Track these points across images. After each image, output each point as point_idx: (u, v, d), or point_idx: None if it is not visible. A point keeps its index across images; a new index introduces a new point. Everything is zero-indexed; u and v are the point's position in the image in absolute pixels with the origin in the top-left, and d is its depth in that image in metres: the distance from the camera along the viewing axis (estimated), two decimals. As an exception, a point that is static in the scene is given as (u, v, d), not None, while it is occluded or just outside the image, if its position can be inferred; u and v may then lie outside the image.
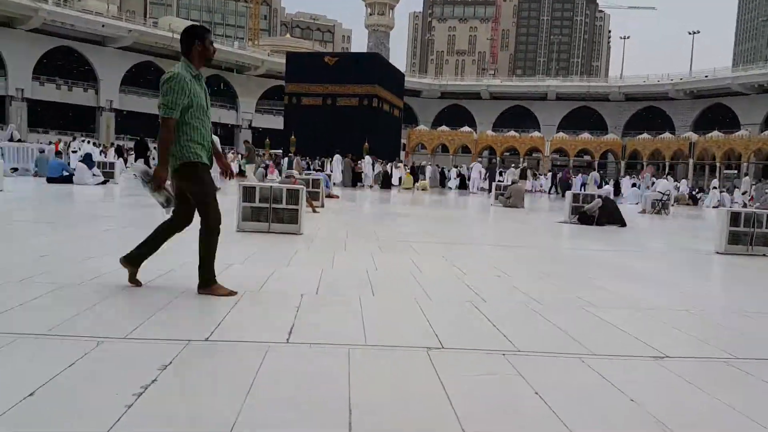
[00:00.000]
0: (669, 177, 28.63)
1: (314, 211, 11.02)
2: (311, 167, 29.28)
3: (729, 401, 2.47)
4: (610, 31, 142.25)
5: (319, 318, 3.51)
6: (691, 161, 53.48)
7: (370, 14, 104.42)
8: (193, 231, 4.03)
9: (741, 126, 57.51)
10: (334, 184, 22.03)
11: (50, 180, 15.36)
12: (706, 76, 62.45)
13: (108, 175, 16.89)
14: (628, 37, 76.09)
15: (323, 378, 2.50)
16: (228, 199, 12.91)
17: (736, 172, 49.16)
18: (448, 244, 7.53)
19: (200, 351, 2.74)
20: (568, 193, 13.50)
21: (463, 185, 31.89)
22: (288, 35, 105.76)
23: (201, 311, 3.51)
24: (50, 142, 30.22)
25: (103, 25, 54.24)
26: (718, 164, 51.82)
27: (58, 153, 21.94)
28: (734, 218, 8.12)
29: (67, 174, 15.72)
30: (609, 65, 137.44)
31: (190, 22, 75.72)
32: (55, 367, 2.39)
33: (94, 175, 15.94)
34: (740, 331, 3.78)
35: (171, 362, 2.53)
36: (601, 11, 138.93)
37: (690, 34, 66.88)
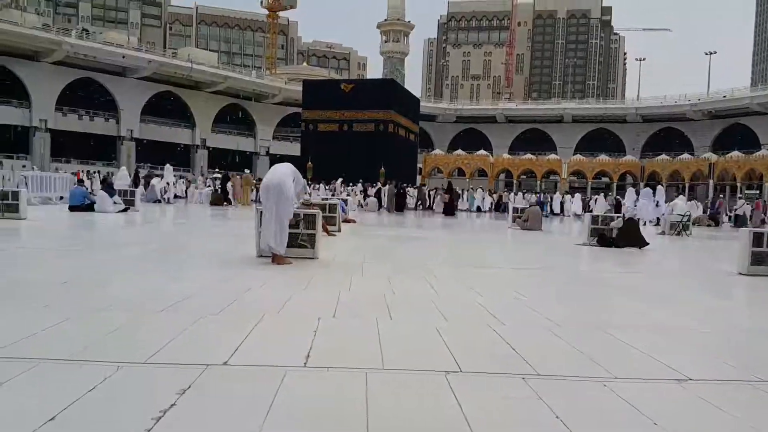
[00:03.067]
0: (690, 199, 28.43)
1: (329, 234, 11.05)
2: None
3: (757, 425, 2.41)
4: (625, 54, 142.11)
5: (337, 342, 3.50)
6: (711, 182, 52.88)
7: (385, 41, 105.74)
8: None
9: (761, 145, 56.88)
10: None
11: (72, 208, 15.60)
12: (724, 96, 62.06)
13: (129, 203, 17.12)
14: (643, 59, 76.22)
15: (341, 402, 2.49)
16: (246, 225, 13.02)
17: (758, 192, 48.48)
18: (465, 267, 7.49)
19: (219, 375, 2.74)
20: (587, 215, 13.38)
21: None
22: (305, 63, 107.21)
23: (219, 335, 3.52)
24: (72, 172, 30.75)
25: (123, 57, 55.53)
26: (738, 184, 51.20)
27: (80, 182, 22.31)
28: (757, 239, 8.00)
29: (89, 202, 15.96)
30: (625, 87, 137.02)
31: (208, 53, 77.21)
32: (76, 391, 2.41)
33: (114, 203, 16.18)
34: (766, 353, 3.70)
35: (190, 386, 2.54)
36: (616, 34, 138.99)
37: (706, 54, 66.77)
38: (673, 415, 2.50)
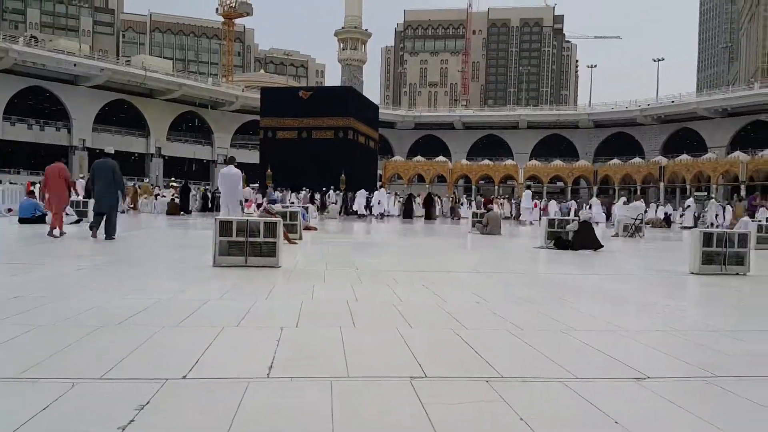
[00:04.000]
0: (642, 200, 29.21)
1: (291, 242, 10.96)
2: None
3: (711, 419, 2.48)
4: (577, 61, 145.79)
5: (301, 351, 3.46)
6: (661, 184, 54.60)
7: (343, 49, 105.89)
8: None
9: (708, 149, 59.04)
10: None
11: (22, 220, 15.07)
12: (673, 102, 64.21)
13: (81, 215, 16.64)
14: (595, 66, 78.08)
15: (306, 412, 2.46)
16: (204, 234, 12.81)
17: (706, 193, 50.25)
18: (428, 273, 7.52)
19: (178, 389, 2.68)
20: (544, 218, 13.62)
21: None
22: (262, 71, 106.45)
23: (178, 348, 3.44)
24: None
25: (75, 65, 54.09)
26: (688, 186, 52.97)
27: (30, 193, 21.59)
28: (707, 239, 8.27)
29: (40, 214, 15.44)
30: (577, 93, 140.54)
31: (163, 60, 75.99)
32: (28, 411, 2.31)
33: (67, 214, 15.67)
34: (718, 350, 3.82)
35: (148, 402, 2.47)
36: (568, 41, 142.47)
37: (655, 61, 68.90)
38: (632, 413, 2.55)
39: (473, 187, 60.95)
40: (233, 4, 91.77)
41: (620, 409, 2.57)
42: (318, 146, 37.48)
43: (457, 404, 2.59)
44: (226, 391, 2.67)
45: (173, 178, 46.88)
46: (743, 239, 8.38)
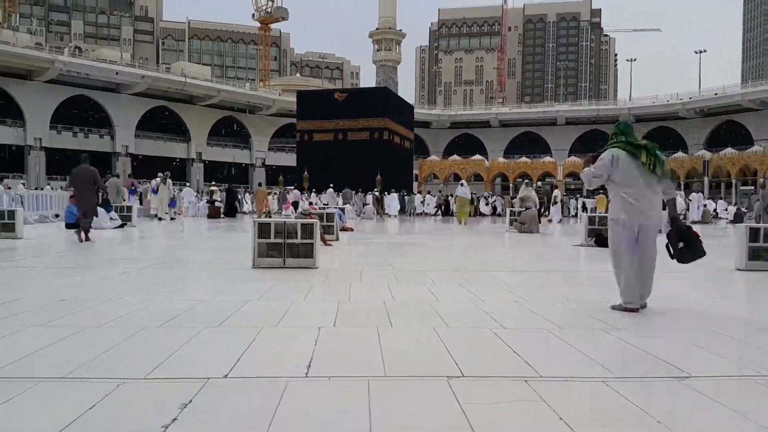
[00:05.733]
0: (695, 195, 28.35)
1: (326, 244, 11.03)
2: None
3: (758, 420, 2.41)
4: (616, 55, 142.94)
5: (338, 350, 3.49)
6: (706, 179, 53.05)
7: (378, 50, 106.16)
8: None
9: (754, 142, 57.14)
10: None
11: (69, 226, 15.54)
12: (716, 94, 62.40)
13: (125, 219, 17.07)
14: (634, 60, 76.54)
15: (344, 411, 2.48)
16: (241, 236, 13.01)
17: (753, 188, 48.65)
18: (465, 272, 7.49)
19: (220, 388, 2.73)
20: (584, 216, 13.39)
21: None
22: (298, 74, 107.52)
23: (219, 348, 3.51)
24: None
25: (117, 73, 55.63)
26: (733, 181, 51.36)
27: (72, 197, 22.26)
28: (753, 234, 8.01)
29: (85, 219, 15.88)
30: (617, 88, 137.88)
31: (201, 67, 77.37)
32: (76, 410, 2.40)
33: (111, 218, 16.12)
34: (764, 348, 3.70)
35: (191, 400, 2.53)
36: (606, 35, 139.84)
37: (696, 53, 67.10)
38: (675, 412, 2.50)
39: (511, 185, 60.32)
40: (269, 10, 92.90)
41: (662, 408, 2.52)
42: (354, 147, 37.68)
43: (495, 404, 2.58)
44: (266, 390, 2.71)
45: (213, 182, 47.69)
46: (793, 234, 8.08)
